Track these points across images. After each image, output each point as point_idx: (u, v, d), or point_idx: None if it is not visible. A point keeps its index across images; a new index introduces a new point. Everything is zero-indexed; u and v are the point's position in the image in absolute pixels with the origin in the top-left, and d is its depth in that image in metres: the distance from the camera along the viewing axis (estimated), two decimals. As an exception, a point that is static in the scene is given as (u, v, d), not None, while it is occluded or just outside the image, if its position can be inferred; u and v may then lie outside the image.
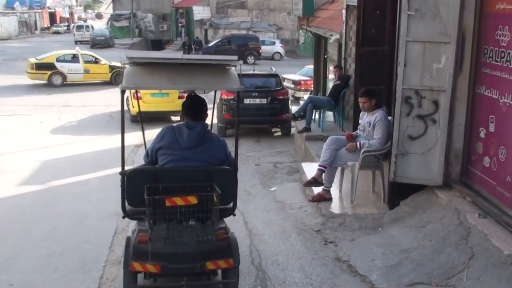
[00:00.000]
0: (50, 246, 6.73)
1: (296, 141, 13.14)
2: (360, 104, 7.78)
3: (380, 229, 6.88)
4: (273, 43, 42.94)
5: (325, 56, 17.44)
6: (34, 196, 9.21)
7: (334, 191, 8.04)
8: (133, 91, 16.76)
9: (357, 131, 8.03)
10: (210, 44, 40.96)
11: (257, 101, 14.65)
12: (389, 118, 7.70)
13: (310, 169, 9.30)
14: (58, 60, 25.59)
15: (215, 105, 6.10)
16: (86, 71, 25.72)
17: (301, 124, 12.73)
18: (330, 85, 17.25)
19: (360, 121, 7.98)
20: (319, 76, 18.57)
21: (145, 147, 5.33)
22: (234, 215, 5.23)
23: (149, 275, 4.81)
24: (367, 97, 7.64)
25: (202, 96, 5.39)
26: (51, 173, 10.84)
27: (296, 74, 22.70)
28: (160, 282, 5.09)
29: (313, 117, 12.44)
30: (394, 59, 9.38)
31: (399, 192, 7.29)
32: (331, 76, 16.88)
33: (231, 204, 5.07)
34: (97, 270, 5.99)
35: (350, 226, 7.07)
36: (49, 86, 24.88)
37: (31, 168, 11.27)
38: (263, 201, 8.74)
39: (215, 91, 6.47)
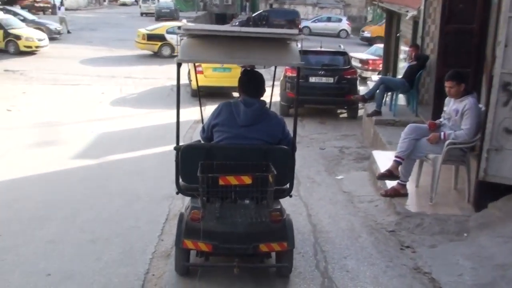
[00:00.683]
0: (95, 230, 6.11)
1: (364, 124, 12.13)
2: (447, 89, 6.75)
3: (465, 235, 5.91)
4: (340, 20, 41.33)
5: (397, 35, 16.21)
6: (85, 172, 8.67)
7: (410, 186, 7.10)
8: (195, 64, 16.26)
9: (441, 119, 7.00)
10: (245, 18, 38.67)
11: (323, 80, 13.68)
12: (480, 106, 6.65)
13: (382, 159, 8.36)
14: (168, 31, 25.60)
15: (275, 82, 5.96)
16: None
17: (371, 106, 11.72)
18: (401, 65, 16.12)
19: (445, 108, 6.95)
20: (389, 55, 17.36)
21: (202, 123, 5.08)
22: (291, 196, 5.00)
23: (201, 253, 4.72)
24: (455, 81, 6.59)
25: (261, 71, 5.06)
26: (106, 147, 10.31)
27: (364, 53, 21.47)
28: (212, 261, 4.93)
29: (384, 100, 11.38)
30: (486, 38, 8.31)
31: (488, 193, 6.29)
32: (401, 56, 15.70)
33: (288, 185, 4.84)
34: (143, 263, 5.30)
35: (430, 229, 6.13)
36: (119, 58, 24.68)
37: (87, 141, 10.79)
38: (329, 191, 7.87)
39: (275, 67, 6.08)
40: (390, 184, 7.12)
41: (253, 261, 4.83)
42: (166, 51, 25.68)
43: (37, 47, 24.51)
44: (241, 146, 4.61)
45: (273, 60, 4.68)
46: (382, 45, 21.09)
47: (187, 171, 4.63)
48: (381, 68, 19.36)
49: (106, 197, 7.33)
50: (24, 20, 29.27)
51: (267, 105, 4.92)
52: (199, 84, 15.84)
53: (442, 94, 8.89)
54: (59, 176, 8.41)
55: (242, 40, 4.41)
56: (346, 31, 40.50)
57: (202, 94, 16.34)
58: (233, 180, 4.30)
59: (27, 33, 24.80)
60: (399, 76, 14.27)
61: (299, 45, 16.70)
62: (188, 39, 4.57)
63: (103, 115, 13.62)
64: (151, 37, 25.56)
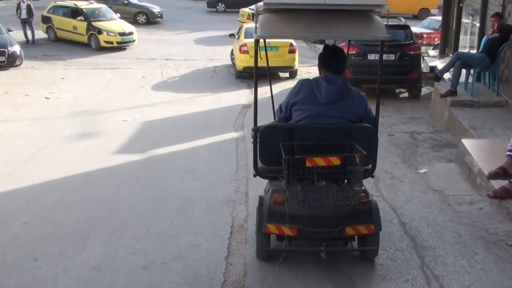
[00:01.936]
0: (148, 250, 4.93)
1: (434, 106, 10.66)
2: None
3: None
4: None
5: (460, 5, 14.52)
6: (131, 170, 7.52)
7: (524, 185, 5.70)
8: (240, 44, 15.04)
9: None
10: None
11: (384, 56, 12.14)
12: None
13: (476, 149, 6.99)
14: None
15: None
16: None
17: (443, 86, 10.24)
18: (463, 39, 14.50)
19: None
20: (448, 28, 15.67)
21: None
22: (373, 176, 4.76)
23: (283, 238, 4.41)
24: None
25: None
26: (150, 139, 9.16)
27: (417, 27, 19.76)
28: (294, 246, 4.65)
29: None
30: None
31: None
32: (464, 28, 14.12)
33: (370, 165, 4.53)
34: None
35: None
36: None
37: (129, 132, 9.66)
38: (416, 190, 6.53)
39: (349, 43, 5.69)
40: (497, 182, 5.75)
41: (339, 245, 4.64)
42: None
43: (118, 43, 20.37)
44: (323, 125, 4.34)
45: (357, 33, 4.37)
46: (437, 18, 19.45)
47: (266, 153, 4.39)
48: (436, 42, 17.74)
49: (156, 203, 6.15)
50: (128, 4, 28.33)
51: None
52: (244, 64, 14.75)
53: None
54: (102, 175, 7.29)
55: (323, 14, 4.17)
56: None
57: (247, 75, 15.20)
58: (320, 161, 4.07)
59: (110, 27, 20.63)
60: (469, 50, 12.76)
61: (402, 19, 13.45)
62: (266, 14, 4.29)
63: (145, 101, 12.47)
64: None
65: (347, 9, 4.22)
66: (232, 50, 17.01)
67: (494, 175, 5.47)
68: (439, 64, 13.77)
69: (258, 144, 4.42)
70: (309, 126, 4.37)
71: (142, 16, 28.30)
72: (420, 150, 8.44)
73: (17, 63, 16.51)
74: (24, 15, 20.68)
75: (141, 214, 5.81)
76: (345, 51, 12.02)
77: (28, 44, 20.65)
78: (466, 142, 7.29)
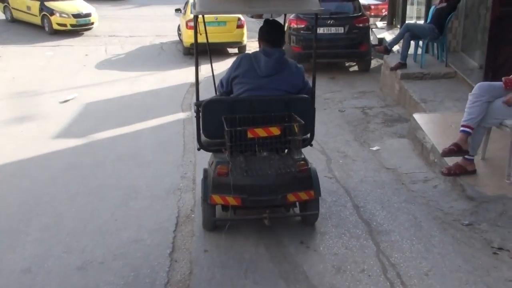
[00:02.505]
0: (85, 248, 4.47)
1: (384, 79, 10.45)
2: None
3: None
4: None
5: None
6: (70, 156, 6.98)
7: (475, 160, 5.52)
8: (186, 19, 14.44)
9: (517, 75, 5.37)
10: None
11: (333, 30, 11.85)
12: None
13: (428, 123, 6.81)
14: None
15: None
16: None
17: (392, 58, 10.04)
18: (411, 9, 14.33)
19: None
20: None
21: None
22: (311, 145, 4.90)
23: (227, 208, 4.55)
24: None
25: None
26: (93, 121, 8.59)
27: (365, -2, 19.51)
28: (239, 215, 4.77)
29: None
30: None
31: None
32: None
33: (308, 134, 4.71)
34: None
35: (521, 220, 4.60)
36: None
37: (71, 113, 9.06)
38: (369, 169, 6.27)
39: (285, 16, 5.72)
40: (451, 159, 5.54)
41: (281, 212, 4.80)
42: None
43: (73, 26, 18.05)
44: (263, 97, 4.44)
45: (293, 7, 4.59)
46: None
47: (209, 127, 4.45)
48: (383, 14, 17.58)
49: (97, 193, 5.68)
50: None
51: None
52: (191, 41, 14.13)
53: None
54: (37, 163, 6.73)
55: None
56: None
57: (192, 52, 14.63)
58: (261, 132, 4.19)
59: (63, 7, 18.30)
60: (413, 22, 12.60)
61: None
62: None
63: (87, 81, 11.80)
64: None
65: None
66: (179, 26, 16.37)
67: (449, 152, 5.24)
68: (388, 35, 13.59)
69: (201, 118, 4.46)
70: (250, 99, 4.44)
71: None
72: (372, 126, 8.20)
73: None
74: None
75: (80, 207, 5.33)
76: (293, 25, 11.89)
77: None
78: (418, 116, 7.07)
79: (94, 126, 8.29)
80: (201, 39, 13.31)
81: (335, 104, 9.65)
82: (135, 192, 5.66)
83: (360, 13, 12.13)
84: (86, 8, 18.86)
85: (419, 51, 9.72)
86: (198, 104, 4.48)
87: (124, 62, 14.23)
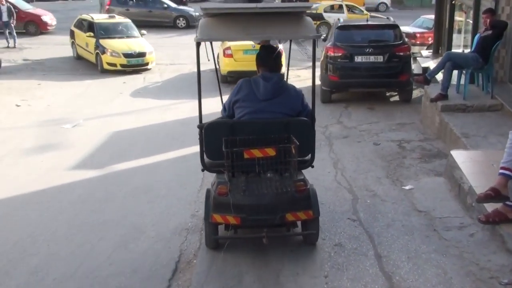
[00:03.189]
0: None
1: (425, 110, 9.76)
2: None
3: None
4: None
5: (453, 1, 13.62)
6: (83, 189, 6.66)
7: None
8: (224, 47, 14.18)
9: None
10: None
11: (371, 58, 11.25)
12: None
13: (467, 162, 6.11)
14: (325, 10, 24.19)
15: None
16: None
17: (433, 89, 9.36)
18: (457, 38, 13.60)
19: None
20: (442, 27, 14.77)
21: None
22: (312, 166, 4.88)
23: (230, 227, 4.60)
24: None
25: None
26: (116, 151, 8.28)
27: (410, 26, 18.84)
28: (241, 234, 4.89)
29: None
30: None
31: None
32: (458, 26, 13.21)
33: (309, 155, 4.79)
34: None
35: None
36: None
37: (95, 142, 8.80)
38: (398, 211, 5.63)
39: (290, 42, 5.84)
40: (490, 204, 4.85)
41: (281, 231, 4.85)
42: (323, 30, 22.83)
43: (123, 66, 16.07)
44: (262, 120, 4.56)
45: (289, 33, 4.66)
46: (430, 16, 18.53)
47: (211, 148, 4.56)
48: (429, 42, 16.85)
49: (98, 231, 5.28)
50: (168, 8, 26.81)
51: (285, 78, 4.92)
52: (228, 69, 13.76)
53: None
54: (49, 195, 6.43)
55: (258, 16, 4.41)
56: (386, 4, 37.24)
57: (232, 79, 14.28)
58: (257, 152, 4.32)
59: (116, 45, 16.36)
60: (461, 50, 11.86)
61: (341, 20, 14.01)
62: (206, 18, 4.52)
63: (120, 108, 11.59)
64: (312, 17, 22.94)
65: (278, 12, 4.53)
66: (218, 54, 16.14)
67: (485, 198, 4.57)
68: (432, 64, 12.86)
69: (203, 140, 4.57)
70: (250, 122, 4.57)
71: (182, 20, 26.76)
72: (407, 161, 7.54)
73: (-6, 67, 15.71)
74: (5, 17, 19.70)
75: (77, 246, 4.92)
76: (330, 53, 11.39)
77: (9, 48, 19.75)
78: (456, 153, 6.38)
79: (114, 156, 7.98)
80: (239, 67, 13.13)
81: (371, 137, 9.02)
82: (139, 231, 5.22)
83: (401, 41, 11.49)
84: (142, 47, 16.72)
85: (462, 81, 9.00)
86: (201, 126, 4.62)
87: (161, 90, 14.02)
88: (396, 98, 12.09)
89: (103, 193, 6.42)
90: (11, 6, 20.14)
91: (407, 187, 6.37)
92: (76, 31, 18.10)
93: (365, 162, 7.56)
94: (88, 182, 6.87)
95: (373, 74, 11.15)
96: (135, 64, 16.34)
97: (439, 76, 9.85)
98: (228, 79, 14.07)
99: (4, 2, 19.84)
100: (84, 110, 11.41)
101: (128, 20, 18.55)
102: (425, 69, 12.54)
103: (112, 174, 7.20)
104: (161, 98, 12.75)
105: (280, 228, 4.80)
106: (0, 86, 14.02)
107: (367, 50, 11.19)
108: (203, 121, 4.68)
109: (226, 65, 14.14)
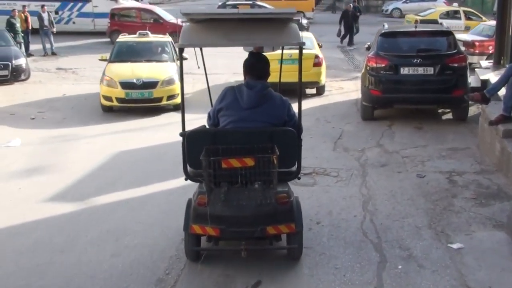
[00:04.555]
0: None
1: (483, 134, 7.99)
2: None
3: None
4: (435, 0, 35.75)
5: (518, 7, 11.70)
6: (46, 229, 5.38)
7: None
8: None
9: None
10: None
11: (420, 70, 9.53)
12: None
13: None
14: (440, 17, 22.91)
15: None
16: (466, 29, 21.50)
17: (493, 108, 7.59)
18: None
19: None
20: (504, 34, 12.80)
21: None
22: (299, 178, 4.76)
23: (211, 238, 4.52)
24: None
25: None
26: (108, 178, 7.00)
27: (468, 34, 16.84)
28: (222, 246, 4.76)
29: None
30: None
31: None
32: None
33: (295, 166, 4.61)
34: None
35: None
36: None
37: (90, 165, 7.54)
38: (440, 286, 4.01)
39: (282, 49, 5.62)
40: None
41: (262, 244, 4.66)
42: None
43: (120, 101, 10.92)
44: (245, 129, 4.42)
45: (273, 40, 4.55)
46: (490, 23, 16.52)
47: (193, 157, 4.31)
48: (491, 51, 14.85)
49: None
50: None
51: (270, 87, 4.57)
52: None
53: None
54: (5, 236, 5.20)
55: (242, 23, 4.34)
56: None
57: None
58: (235, 162, 4.15)
59: (118, 71, 11.36)
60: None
61: (385, 26, 11.54)
62: (190, 24, 4.47)
63: (134, 124, 10.34)
64: (423, 22, 20.94)
65: (261, 18, 4.42)
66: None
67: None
68: (493, 77, 10.97)
69: (186, 149, 4.42)
70: (233, 130, 4.42)
71: None
72: (458, 202, 5.90)
73: (23, 77, 14.63)
74: (47, 25, 18.92)
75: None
76: (372, 63, 9.76)
77: (45, 56, 19.03)
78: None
79: (103, 185, 6.69)
80: (272, 78, 11.74)
81: (414, 165, 7.38)
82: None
83: (456, 51, 9.72)
84: (156, 73, 11.23)
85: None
86: (183, 134, 4.47)
87: (186, 103, 12.66)
88: (449, 115, 10.28)
89: (64, 238, 5.11)
90: (50, 14, 19.53)
91: (455, 246, 4.74)
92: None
93: (403, 202, 5.95)
94: (54, 221, 5.57)
95: (421, 88, 9.47)
96: (138, 99, 10.84)
97: (502, 92, 8.05)
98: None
99: (45, 9, 19.25)
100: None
101: (167, 38, 13.11)
102: (484, 83, 10.68)
103: (88, 210, 5.88)
104: (186, 112, 11.40)
105: (263, 241, 4.59)
106: (24, 96, 13.13)
107: (415, 60, 9.51)
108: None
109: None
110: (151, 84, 10.96)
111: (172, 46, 12.46)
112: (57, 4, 23.98)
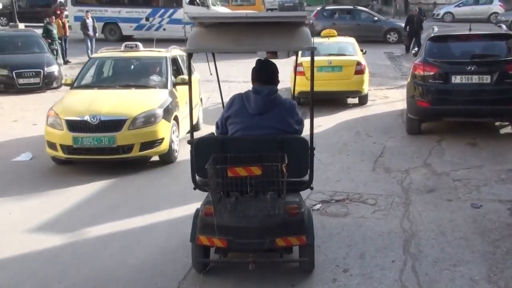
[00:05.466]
0: None
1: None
2: None
3: None
4: (490, 2, 33.64)
5: None
6: (19, 269, 4.54)
7: None
8: (295, 64, 11.69)
9: None
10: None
11: (475, 79, 8.34)
12: None
13: None
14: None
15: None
16: None
17: None
18: None
19: None
20: None
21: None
22: (311, 188, 4.60)
23: (219, 250, 4.37)
24: None
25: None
26: (107, 204, 6.11)
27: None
28: (230, 258, 4.59)
29: None
30: None
31: None
32: None
33: (307, 176, 4.44)
34: None
35: None
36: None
37: (92, 188, 6.67)
38: None
39: (297, 55, 5.94)
40: None
41: (271, 257, 4.50)
42: None
43: (66, 150, 7.19)
44: (255, 137, 4.30)
45: (282, 45, 4.54)
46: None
47: (202, 165, 4.12)
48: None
49: None
50: (378, 21, 24.36)
51: (279, 92, 4.47)
52: (300, 89, 10.98)
53: None
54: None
55: (251, 27, 4.24)
56: (498, 14, 32.93)
57: (305, 101, 11.77)
58: (241, 171, 3.98)
59: (72, 103, 7.92)
60: None
61: (435, 29, 10.16)
62: (198, 29, 4.36)
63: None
64: None
65: (271, 22, 4.31)
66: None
67: None
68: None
69: (194, 157, 4.33)
70: (242, 138, 4.33)
71: (394, 34, 23.49)
72: (524, 245, 4.67)
73: (55, 85, 14.02)
74: (91, 31, 18.54)
75: None
76: (419, 71, 8.60)
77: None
78: None
79: (97, 214, 5.79)
80: (320, 86, 10.16)
81: (468, 192, 6.24)
82: None
83: (516, 57, 8.46)
84: (127, 107, 7.55)
85: None
86: (191, 142, 4.41)
87: (219, 112, 11.71)
88: (508, 129, 9.02)
89: (33, 284, 4.21)
90: (94, 20, 19.13)
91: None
92: None
93: (454, 243, 4.83)
94: (30, 261, 4.69)
95: (476, 99, 8.32)
96: (92, 149, 7.21)
97: None
98: (301, 100, 11.50)
99: (89, 15, 18.89)
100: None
101: (160, 55, 9.07)
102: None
103: (75, 244, 5.00)
104: (209, 123, 10.47)
105: (272, 254, 4.41)
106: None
107: (469, 67, 8.33)
108: None
109: (298, 85, 11.18)
110: (114, 124, 7.18)
111: (171, 64, 8.81)
112: (148, 10, 23.03)
